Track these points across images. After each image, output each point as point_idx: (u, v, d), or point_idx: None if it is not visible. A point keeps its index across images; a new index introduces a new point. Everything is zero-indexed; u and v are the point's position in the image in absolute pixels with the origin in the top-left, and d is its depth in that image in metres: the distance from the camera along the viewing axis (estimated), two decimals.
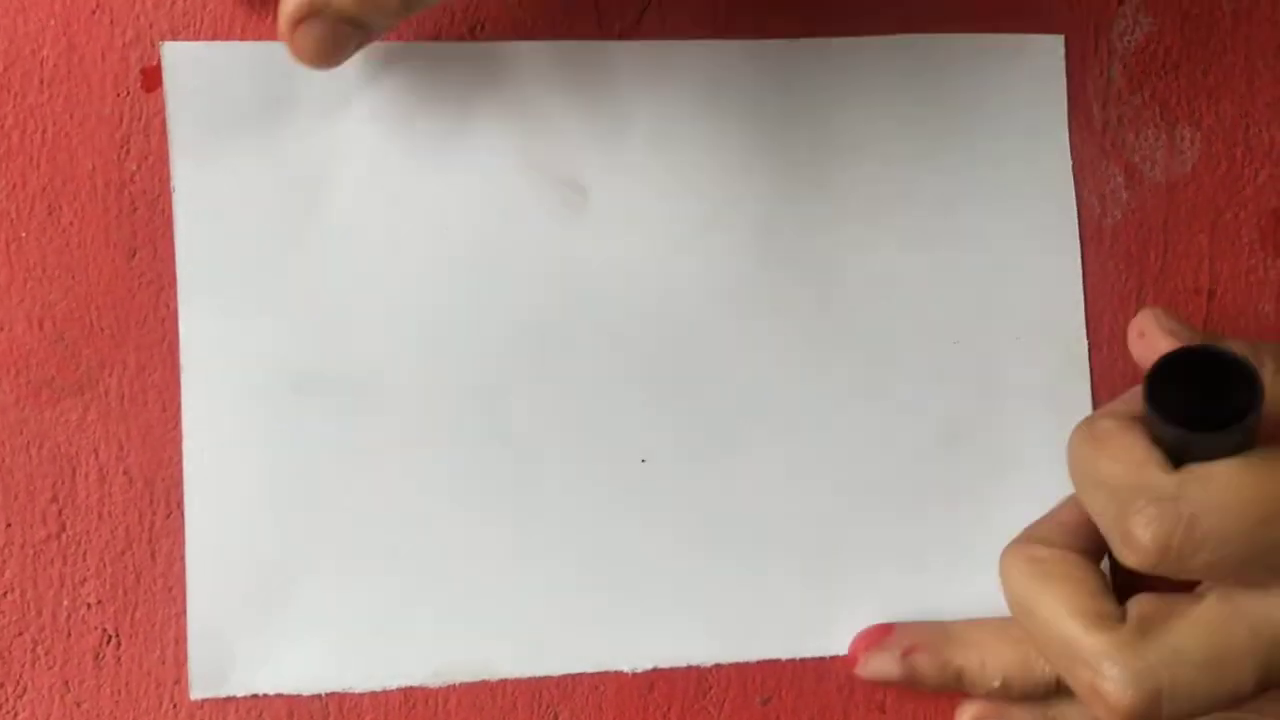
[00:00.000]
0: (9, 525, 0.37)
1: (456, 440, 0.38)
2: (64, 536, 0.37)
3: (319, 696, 0.37)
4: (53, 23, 0.38)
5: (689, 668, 0.39)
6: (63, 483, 0.37)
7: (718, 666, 0.39)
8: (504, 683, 0.38)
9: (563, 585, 0.38)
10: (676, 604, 0.38)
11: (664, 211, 0.39)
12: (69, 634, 0.37)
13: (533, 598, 0.38)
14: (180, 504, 0.37)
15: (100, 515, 0.37)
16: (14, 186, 0.37)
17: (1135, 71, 0.42)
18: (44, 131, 0.37)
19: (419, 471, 0.38)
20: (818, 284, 0.40)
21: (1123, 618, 0.33)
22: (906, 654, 0.38)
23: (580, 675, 0.38)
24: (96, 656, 0.37)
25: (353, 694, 0.37)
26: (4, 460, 0.37)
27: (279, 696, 0.37)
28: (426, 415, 0.38)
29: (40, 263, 0.37)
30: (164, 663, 0.37)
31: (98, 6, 0.38)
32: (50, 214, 0.37)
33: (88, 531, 0.37)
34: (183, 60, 0.37)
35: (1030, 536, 0.36)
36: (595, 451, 0.38)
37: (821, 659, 0.39)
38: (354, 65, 0.37)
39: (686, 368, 0.39)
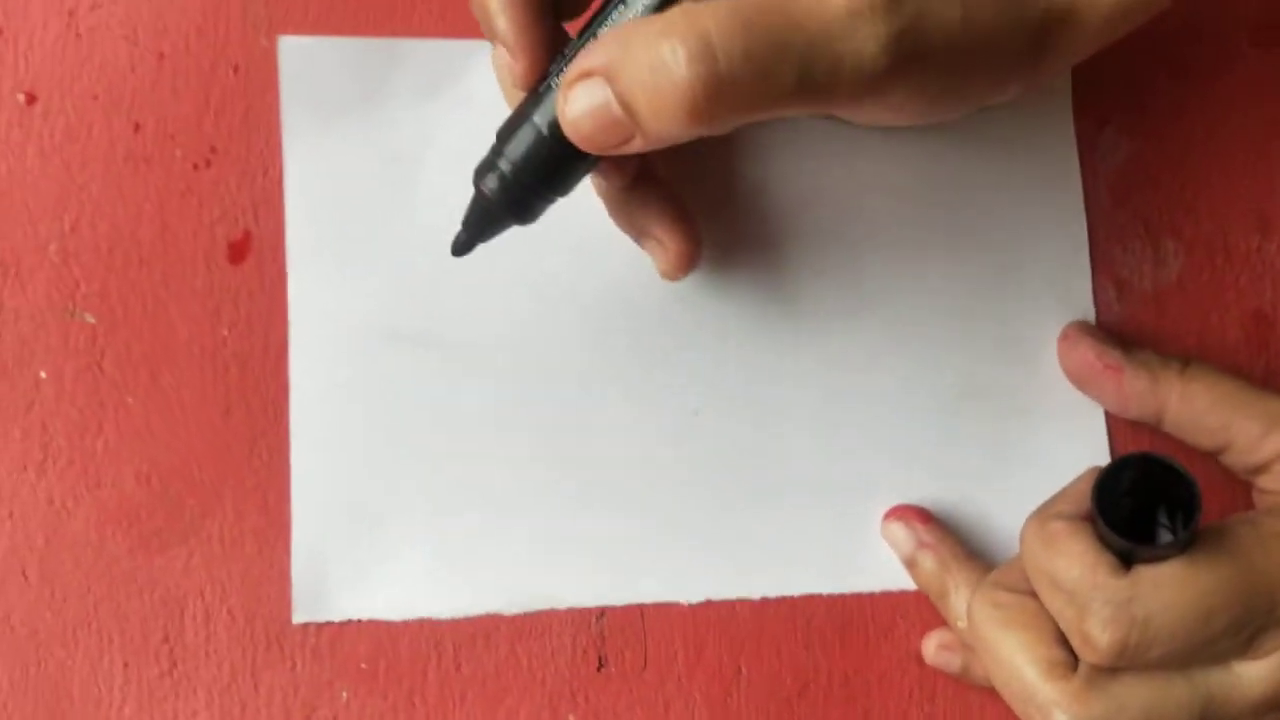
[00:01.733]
0: (126, 665, 0.40)
1: (531, 392, 0.42)
2: (175, 673, 0.40)
3: (406, 621, 0.41)
4: (148, 206, 0.41)
5: (738, 600, 0.43)
6: (173, 623, 0.40)
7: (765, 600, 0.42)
8: (570, 610, 0.42)
9: (622, 524, 0.42)
10: (727, 542, 0.43)
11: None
12: None
13: (595, 535, 0.42)
14: (279, 639, 0.40)
15: (207, 652, 0.40)
16: (120, 357, 0.41)
17: (1119, 190, 0.45)
18: (144, 304, 0.41)
19: (497, 421, 0.42)
20: (850, 256, 0.44)
21: (1075, 665, 0.37)
22: (921, 546, 0.42)
23: (641, 605, 0.42)
24: None
25: (436, 620, 0.41)
26: (119, 605, 0.40)
27: (371, 621, 0.41)
28: (506, 373, 0.42)
29: (145, 424, 0.41)
30: None
31: (187, 189, 0.42)
32: (153, 379, 0.41)
33: (196, 668, 0.40)
34: (296, 53, 0.42)
35: (996, 582, 0.40)
36: (654, 404, 0.43)
37: (858, 594, 0.43)
38: (442, 59, 0.43)
39: (736, 328, 0.43)
